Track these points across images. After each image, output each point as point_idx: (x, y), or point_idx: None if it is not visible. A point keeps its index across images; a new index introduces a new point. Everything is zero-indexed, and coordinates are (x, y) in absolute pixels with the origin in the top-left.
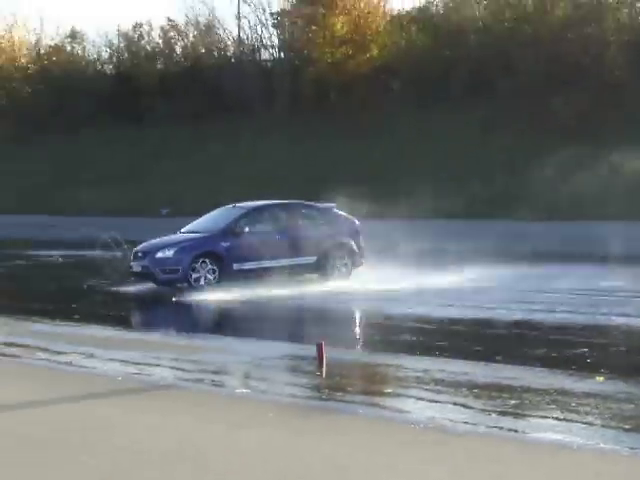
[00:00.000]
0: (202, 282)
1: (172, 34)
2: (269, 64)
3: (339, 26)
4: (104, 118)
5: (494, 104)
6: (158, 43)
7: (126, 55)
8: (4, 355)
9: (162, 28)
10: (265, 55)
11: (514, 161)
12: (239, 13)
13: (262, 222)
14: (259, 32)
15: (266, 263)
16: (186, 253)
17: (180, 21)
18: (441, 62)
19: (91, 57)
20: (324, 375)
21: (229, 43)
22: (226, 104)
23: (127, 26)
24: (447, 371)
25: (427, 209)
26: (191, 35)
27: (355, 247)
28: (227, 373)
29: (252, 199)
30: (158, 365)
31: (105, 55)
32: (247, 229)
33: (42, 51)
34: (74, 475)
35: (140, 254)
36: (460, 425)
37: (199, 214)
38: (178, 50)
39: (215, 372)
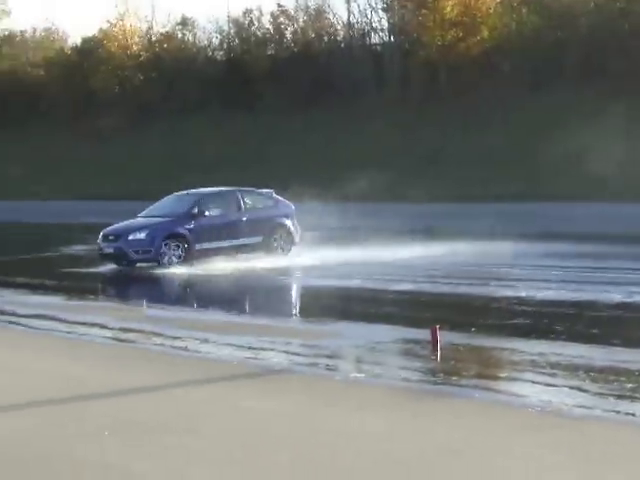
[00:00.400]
0: (170, 261)
1: (282, 19)
2: (379, 48)
3: (449, 9)
4: (215, 104)
5: (607, 85)
6: (268, 29)
7: (236, 41)
8: (120, 340)
9: (272, 14)
10: (375, 39)
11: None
12: None
13: (216, 206)
14: (369, 16)
15: (222, 243)
16: (157, 235)
17: (290, 6)
18: (552, 43)
19: (202, 44)
20: (438, 359)
21: (339, 28)
22: (336, 89)
23: (237, 12)
24: (563, 354)
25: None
26: (301, 20)
27: (292, 228)
28: (341, 357)
29: (362, 182)
30: (272, 350)
31: (216, 42)
32: (206, 213)
33: (153, 39)
34: (196, 459)
35: (111, 237)
36: (576, 409)
37: (310, 201)
38: (288, 36)
39: (329, 356)
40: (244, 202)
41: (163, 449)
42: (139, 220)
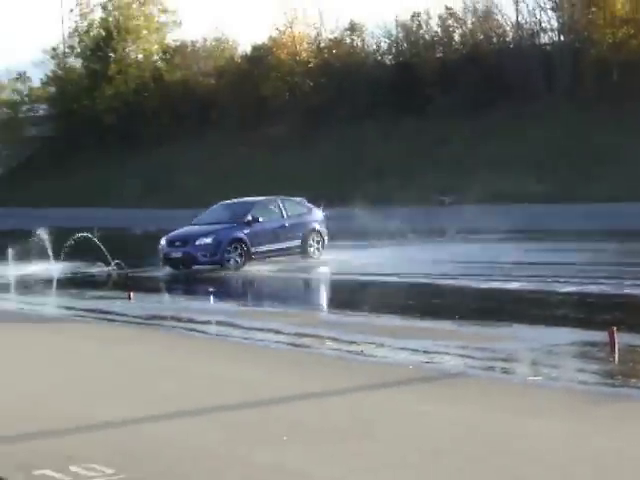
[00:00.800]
0: (234, 263)
1: (450, 22)
2: (548, 48)
3: (620, 6)
4: (384, 109)
5: None
6: (436, 32)
7: (405, 45)
8: (296, 345)
9: (440, 16)
10: (544, 39)
11: None
12: None
13: (264, 213)
14: (538, 16)
15: (272, 246)
16: (222, 240)
17: (458, 8)
18: None
19: (370, 49)
20: (616, 361)
21: (507, 28)
22: (506, 90)
23: (405, 16)
24: None
25: None
26: (469, 22)
27: (323, 232)
28: (517, 360)
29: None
30: (447, 353)
31: (384, 46)
32: (260, 219)
33: (322, 45)
34: (374, 464)
35: (177, 243)
36: None
37: (482, 203)
38: (456, 38)
39: (505, 359)
40: (285, 209)
41: (342, 454)
42: (199, 227)
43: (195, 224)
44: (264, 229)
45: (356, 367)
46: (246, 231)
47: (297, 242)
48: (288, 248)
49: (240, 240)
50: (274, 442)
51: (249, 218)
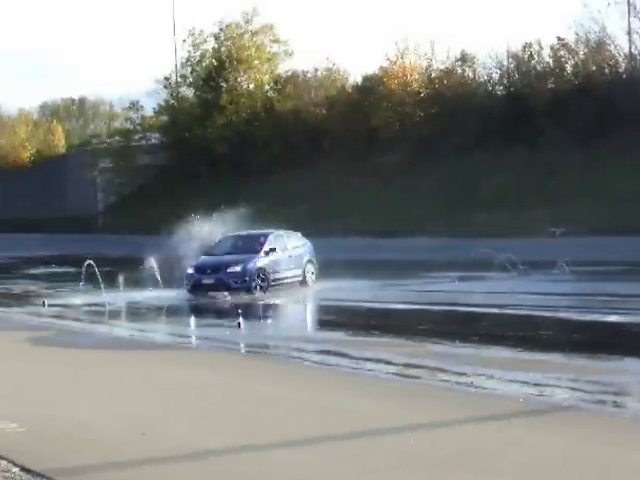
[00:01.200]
0: (258, 289)
1: (562, 52)
2: None
3: None
4: (495, 139)
5: None
6: (548, 62)
7: (516, 75)
8: (406, 376)
9: (552, 47)
10: None
11: None
12: (630, 28)
13: (278, 245)
14: None
15: (284, 274)
16: (249, 268)
17: (570, 39)
18: None
19: (481, 79)
20: None
21: (620, 59)
22: (618, 121)
23: (517, 46)
24: None
25: None
26: (581, 53)
27: (315, 263)
28: (628, 394)
29: None
30: (558, 386)
31: (495, 76)
32: (276, 249)
33: (433, 75)
34: None
35: (209, 270)
36: None
37: (593, 235)
38: (568, 68)
39: (616, 393)
40: (290, 241)
41: None
42: (229, 256)
43: (212, 254)
44: (278, 259)
45: (465, 399)
46: (266, 260)
47: (299, 271)
48: (294, 276)
49: (262, 268)
50: (383, 473)
51: (267, 249)
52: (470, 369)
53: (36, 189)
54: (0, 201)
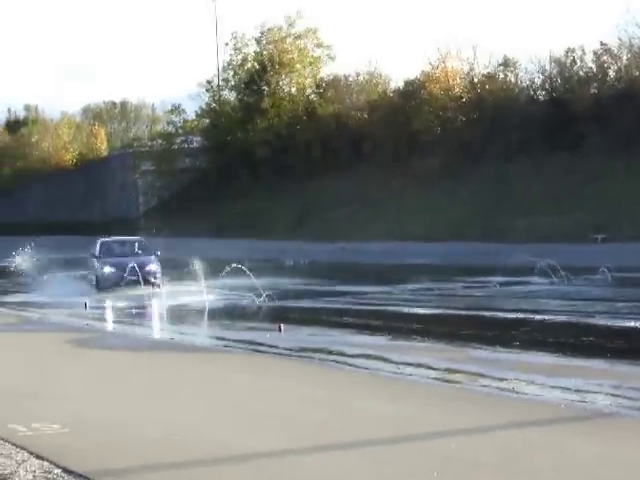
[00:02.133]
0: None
1: (605, 58)
2: None
3: None
4: (536, 144)
5: None
6: (591, 67)
7: (559, 81)
8: (447, 381)
9: (595, 52)
10: None
11: None
12: None
13: None
14: None
15: None
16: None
17: (613, 44)
18: None
19: (524, 84)
20: None
21: None
22: None
23: (559, 51)
24: None
25: None
26: (624, 58)
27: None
28: None
29: None
30: (600, 392)
31: (537, 81)
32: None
33: (475, 80)
34: None
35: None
36: None
37: (636, 240)
38: (611, 74)
39: None
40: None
41: None
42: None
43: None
44: None
45: (507, 404)
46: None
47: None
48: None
49: None
50: (424, 477)
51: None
52: (511, 374)
53: (78, 192)
54: (42, 204)
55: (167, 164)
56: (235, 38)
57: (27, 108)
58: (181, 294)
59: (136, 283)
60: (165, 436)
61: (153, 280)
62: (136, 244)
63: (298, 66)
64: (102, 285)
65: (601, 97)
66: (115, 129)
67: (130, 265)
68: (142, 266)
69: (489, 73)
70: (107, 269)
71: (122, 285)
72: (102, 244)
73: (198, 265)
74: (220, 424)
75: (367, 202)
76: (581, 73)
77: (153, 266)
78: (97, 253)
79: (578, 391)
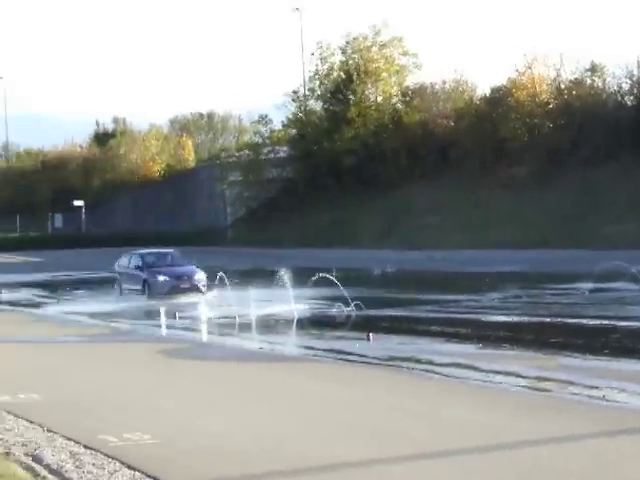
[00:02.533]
0: None
1: None
2: None
3: None
4: (626, 150)
5: None
6: None
7: None
8: (537, 390)
9: None
10: None
11: None
12: None
13: None
14: None
15: None
16: None
17: None
18: None
19: (611, 89)
20: None
21: None
22: None
23: None
24: None
25: None
26: None
27: None
28: None
29: None
30: None
31: (625, 86)
32: None
33: (562, 86)
34: None
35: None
36: None
37: None
38: None
39: None
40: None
41: None
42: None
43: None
44: None
45: (598, 412)
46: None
47: None
48: None
49: None
50: None
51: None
52: (602, 382)
53: (166, 203)
54: (131, 215)
55: (254, 174)
56: (320, 48)
57: (115, 120)
58: (269, 304)
59: (188, 290)
60: (256, 447)
61: (201, 287)
62: (171, 255)
63: (384, 75)
64: (155, 293)
65: None
66: (202, 140)
67: (181, 273)
68: (191, 275)
69: (576, 79)
70: (161, 278)
71: (175, 293)
72: (142, 255)
73: (286, 274)
74: (310, 434)
75: (454, 210)
76: None
77: (201, 274)
78: (139, 264)
79: None
